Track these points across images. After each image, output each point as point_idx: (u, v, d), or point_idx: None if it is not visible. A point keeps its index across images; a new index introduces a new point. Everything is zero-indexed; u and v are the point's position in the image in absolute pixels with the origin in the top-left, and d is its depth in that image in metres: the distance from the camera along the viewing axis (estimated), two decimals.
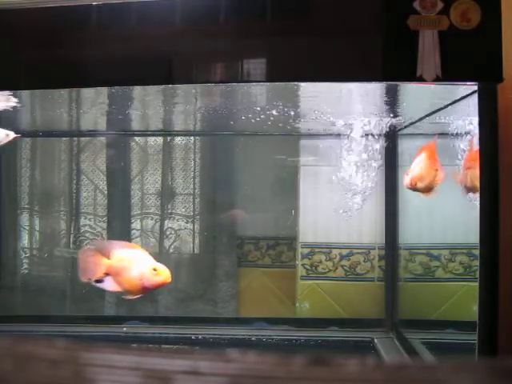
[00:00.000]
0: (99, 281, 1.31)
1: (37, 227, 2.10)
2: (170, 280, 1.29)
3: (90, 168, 2.08)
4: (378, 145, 1.70)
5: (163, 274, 1.29)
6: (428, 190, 1.49)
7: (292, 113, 1.52)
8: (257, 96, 1.40)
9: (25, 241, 2.10)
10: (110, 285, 1.31)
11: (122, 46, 1.15)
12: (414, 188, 1.49)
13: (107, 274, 1.31)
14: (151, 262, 1.31)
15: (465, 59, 1.07)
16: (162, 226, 2.06)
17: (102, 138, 2.09)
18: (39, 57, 1.18)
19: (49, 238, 2.10)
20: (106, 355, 0.37)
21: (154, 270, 1.29)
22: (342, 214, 1.83)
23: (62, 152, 2.10)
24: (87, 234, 2.07)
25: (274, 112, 1.49)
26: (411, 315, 1.87)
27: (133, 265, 1.30)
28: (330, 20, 1.11)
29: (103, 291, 2.01)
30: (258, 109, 1.48)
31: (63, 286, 2.04)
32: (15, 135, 1.50)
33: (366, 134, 1.68)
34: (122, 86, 1.23)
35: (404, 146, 1.86)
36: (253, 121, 1.60)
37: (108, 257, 1.32)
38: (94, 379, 0.35)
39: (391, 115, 1.55)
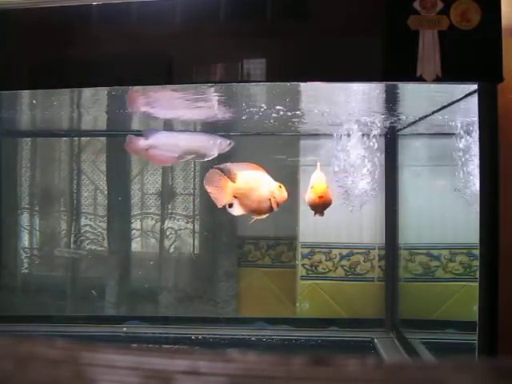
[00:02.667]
0: (230, 205, 1.32)
1: (37, 227, 2.10)
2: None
3: (90, 168, 2.08)
4: (378, 145, 1.70)
5: (285, 190, 1.34)
6: (325, 207, 1.45)
7: (292, 112, 1.52)
8: (257, 96, 1.40)
9: (25, 241, 2.10)
10: (236, 209, 1.33)
11: (122, 45, 1.15)
12: (318, 204, 1.43)
13: (235, 197, 1.32)
14: (272, 180, 1.34)
15: (465, 59, 1.07)
16: (162, 226, 2.06)
17: (102, 138, 2.09)
18: (38, 57, 1.18)
19: (49, 237, 2.10)
20: (106, 355, 0.37)
21: (280, 186, 1.33)
22: (345, 212, 1.83)
23: (63, 152, 2.10)
24: (88, 234, 2.07)
25: (274, 112, 1.49)
26: (411, 315, 1.87)
27: (261, 185, 1.32)
28: (330, 20, 1.11)
29: (103, 291, 2.01)
30: (258, 109, 1.48)
31: (63, 286, 2.04)
32: (232, 143, 1.61)
33: (366, 134, 1.68)
34: (121, 86, 1.23)
35: (404, 145, 1.86)
36: (255, 118, 1.60)
37: (233, 180, 1.33)
38: (94, 379, 0.35)
39: (391, 115, 1.55)
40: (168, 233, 2.06)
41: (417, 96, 1.34)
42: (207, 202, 2.04)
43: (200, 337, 1.87)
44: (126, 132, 2.02)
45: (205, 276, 2.04)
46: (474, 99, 1.11)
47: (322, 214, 1.44)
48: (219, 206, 1.34)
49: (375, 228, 1.94)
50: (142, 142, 1.57)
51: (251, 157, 2.02)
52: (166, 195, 2.06)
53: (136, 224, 2.07)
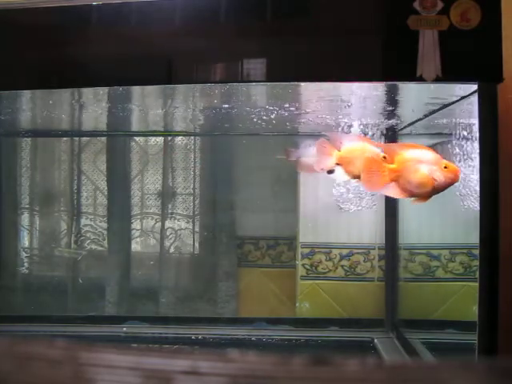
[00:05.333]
0: (331, 171, 1.37)
1: (37, 227, 2.10)
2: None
3: (90, 168, 2.08)
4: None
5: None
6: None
7: (292, 113, 1.51)
8: (257, 96, 1.40)
9: (25, 241, 2.10)
10: (340, 174, 1.37)
11: (122, 45, 1.15)
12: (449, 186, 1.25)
13: (338, 164, 1.35)
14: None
15: (465, 59, 1.07)
16: (162, 226, 2.06)
17: (103, 138, 2.09)
18: (38, 57, 1.18)
19: (49, 237, 2.10)
20: (106, 355, 0.37)
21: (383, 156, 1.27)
22: (344, 212, 1.83)
23: (62, 152, 2.10)
24: (88, 234, 2.07)
25: (275, 112, 1.49)
26: (411, 315, 1.87)
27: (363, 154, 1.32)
28: (330, 20, 1.11)
29: (103, 291, 2.02)
30: (258, 109, 1.48)
31: (64, 286, 2.04)
32: None
33: (366, 134, 1.68)
34: (121, 86, 1.23)
35: None
36: (255, 120, 1.60)
37: (339, 148, 1.36)
38: (94, 379, 0.35)
39: (391, 115, 1.55)
40: (168, 233, 2.06)
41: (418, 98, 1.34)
42: (207, 202, 2.06)
43: (200, 337, 1.87)
44: (127, 132, 2.05)
45: (205, 276, 2.04)
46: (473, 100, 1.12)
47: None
48: (317, 169, 1.41)
49: (375, 228, 1.94)
50: (295, 152, 1.65)
51: (251, 157, 2.03)
52: (166, 195, 2.06)
53: (136, 224, 2.07)
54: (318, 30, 1.11)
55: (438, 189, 1.23)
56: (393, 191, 1.27)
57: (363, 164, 1.31)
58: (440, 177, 1.22)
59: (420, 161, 1.24)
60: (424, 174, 1.23)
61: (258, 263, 2.04)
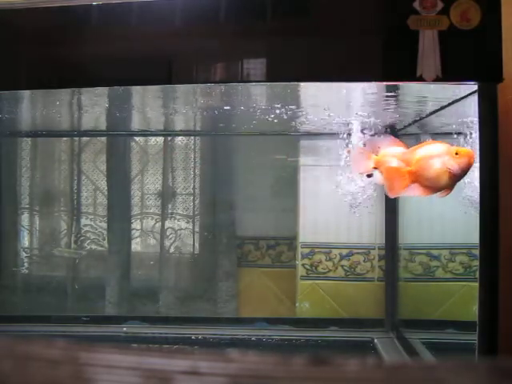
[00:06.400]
0: (369, 175, 1.43)
1: (37, 227, 2.10)
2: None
3: (90, 168, 2.08)
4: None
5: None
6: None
7: (291, 112, 1.51)
8: (257, 96, 1.39)
9: (25, 241, 2.10)
10: (378, 178, 1.40)
11: (122, 45, 1.15)
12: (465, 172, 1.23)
13: (376, 168, 1.39)
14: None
15: (465, 59, 1.07)
16: (162, 226, 2.06)
17: (103, 138, 2.09)
18: (38, 57, 1.18)
19: (49, 237, 2.10)
20: (106, 355, 0.37)
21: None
22: (345, 212, 1.82)
23: (62, 152, 2.10)
24: (88, 234, 2.07)
25: (275, 112, 1.49)
26: (411, 315, 1.87)
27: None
28: (330, 20, 1.11)
29: (103, 291, 2.02)
30: (258, 110, 1.48)
31: (64, 286, 2.04)
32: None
33: (366, 134, 1.68)
34: (121, 86, 1.23)
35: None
36: (254, 121, 1.60)
37: (376, 153, 1.39)
38: (94, 379, 0.35)
39: (391, 114, 1.55)
40: (168, 233, 2.06)
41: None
42: (207, 202, 2.05)
43: (200, 337, 1.87)
44: (127, 132, 2.05)
45: (205, 276, 2.04)
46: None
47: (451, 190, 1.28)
48: (355, 172, 1.49)
49: (375, 228, 1.94)
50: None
51: (251, 157, 2.03)
52: (166, 195, 2.06)
53: (136, 224, 2.07)
54: (318, 29, 1.11)
55: (456, 176, 1.23)
56: (417, 191, 1.28)
57: (384, 174, 1.35)
58: (454, 165, 1.21)
59: (430, 156, 1.25)
60: (437, 167, 1.23)
61: (258, 263, 2.04)
